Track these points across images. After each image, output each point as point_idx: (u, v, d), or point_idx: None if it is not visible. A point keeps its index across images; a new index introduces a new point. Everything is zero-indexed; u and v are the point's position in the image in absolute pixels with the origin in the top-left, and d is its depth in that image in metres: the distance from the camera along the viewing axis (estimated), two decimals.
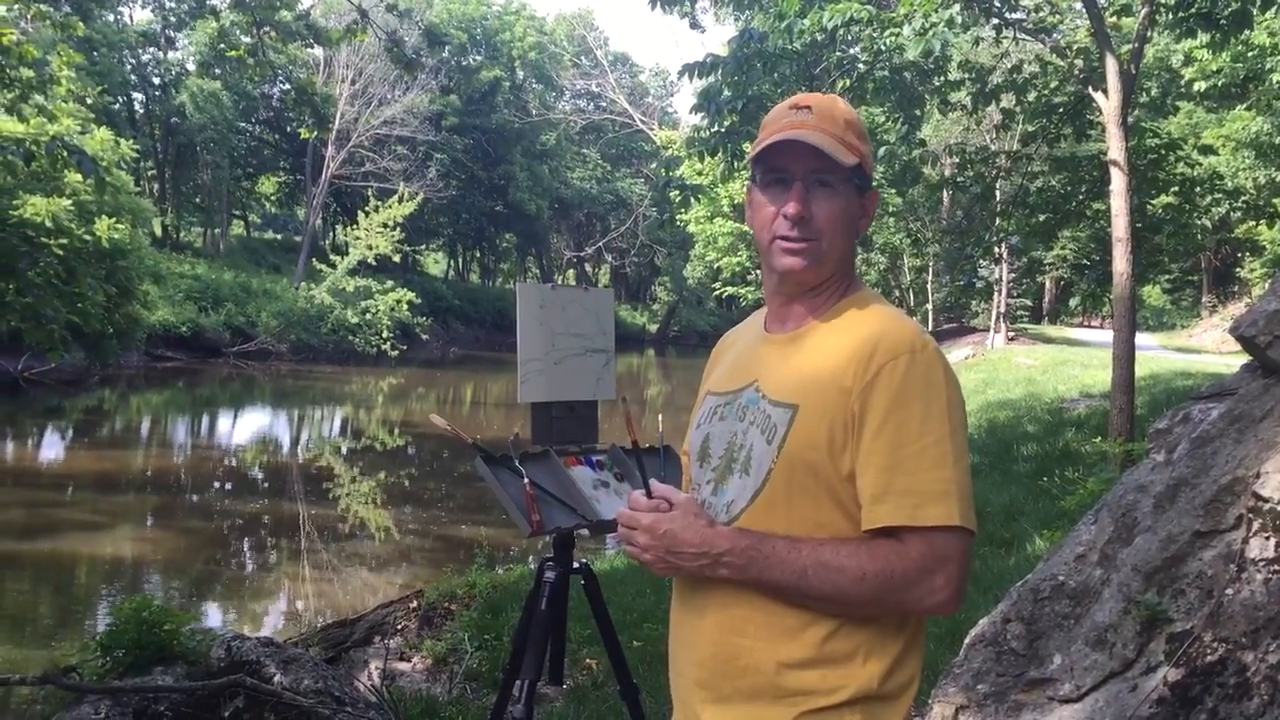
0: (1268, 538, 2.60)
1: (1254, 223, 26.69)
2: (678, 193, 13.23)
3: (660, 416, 2.92)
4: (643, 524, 1.67)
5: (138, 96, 46.45)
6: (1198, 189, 15.35)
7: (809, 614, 1.59)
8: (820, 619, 1.59)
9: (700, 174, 21.60)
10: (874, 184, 1.79)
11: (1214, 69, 15.09)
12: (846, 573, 1.54)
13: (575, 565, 2.89)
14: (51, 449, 18.55)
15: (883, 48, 9.45)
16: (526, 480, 2.63)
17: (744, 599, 1.63)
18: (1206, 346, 27.87)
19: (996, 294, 30.40)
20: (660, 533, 1.65)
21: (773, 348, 1.77)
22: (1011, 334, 32.04)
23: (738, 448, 1.72)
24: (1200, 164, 16.32)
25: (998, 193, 17.17)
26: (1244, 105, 19.71)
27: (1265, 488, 2.63)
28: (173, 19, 45.92)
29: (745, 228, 23.96)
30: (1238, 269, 38.57)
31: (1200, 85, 14.77)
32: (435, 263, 66.16)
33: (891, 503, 1.54)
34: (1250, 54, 15.13)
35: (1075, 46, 11.29)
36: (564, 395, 2.85)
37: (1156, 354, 21.43)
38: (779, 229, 1.71)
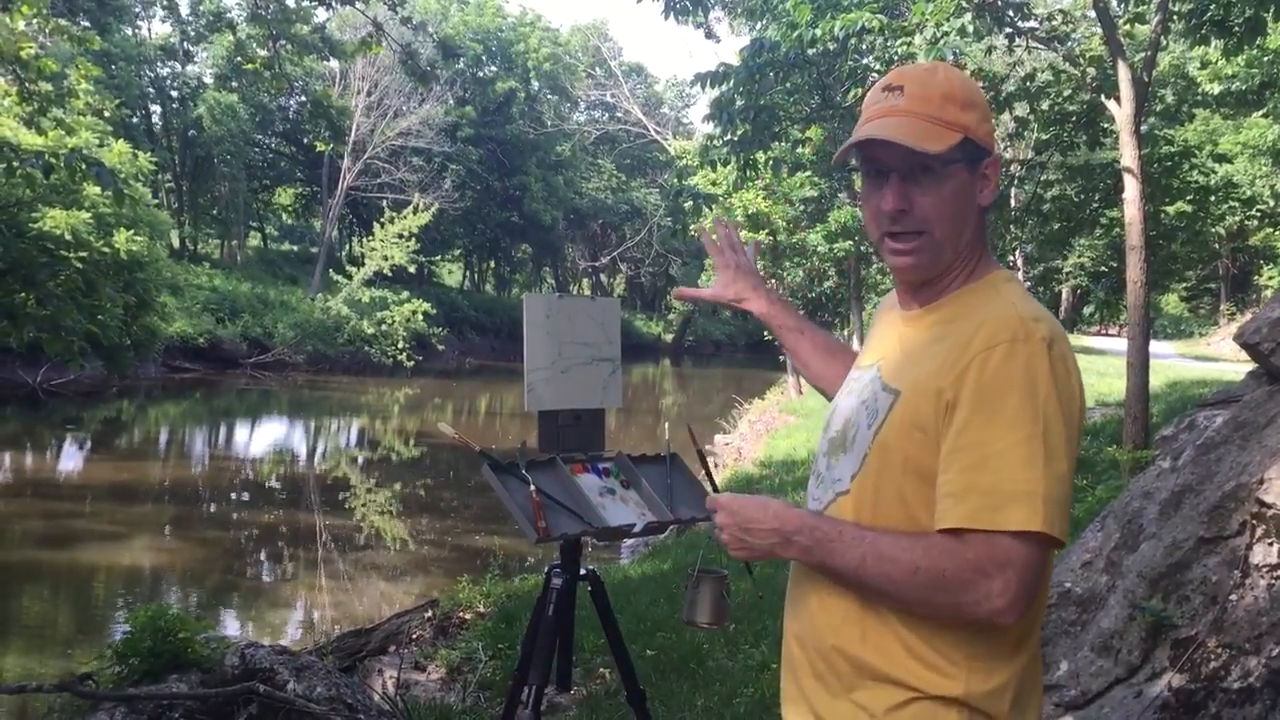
0: (1271, 544, 2.61)
1: (1271, 230, 26.56)
2: (691, 202, 13.27)
3: (667, 426, 2.96)
4: (722, 503, 1.69)
5: (155, 109, 46.74)
6: (1212, 197, 15.28)
7: (896, 612, 1.56)
8: (913, 616, 1.55)
9: (714, 184, 21.60)
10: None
11: (1228, 73, 15.05)
12: (900, 565, 1.49)
13: (582, 572, 2.91)
14: (70, 459, 18.68)
15: (895, 57, 9.46)
16: (533, 487, 2.66)
17: (838, 589, 1.62)
18: (1224, 355, 27.69)
19: None
20: (736, 509, 1.66)
21: (902, 326, 1.74)
22: None
23: (852, 425, 1.69)
24: (1215, 172, 16.27)
25: (1012, 200, 17.17)
26: (1261, 112, 19.65)
27: (1269, 494, 2.64)
28: (190, 33, 46.24)
29: (758, 237, 23.95)
30: (1256, 276, 38.39)
31: (1214, 88, 14.71)
32: (450, 273, 66.32)
33: (972, 502, 1.46)
34: (1266, 59, 15.10)
35: (1088, 55, 11.26)
36: (570, 403, 2.87)
37: (1173, 362, 21.30)
38: (884, 225, 1.67)
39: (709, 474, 2.07)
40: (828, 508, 1.69)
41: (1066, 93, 12.36)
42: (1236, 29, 8.85)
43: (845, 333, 31.18)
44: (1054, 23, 11.21)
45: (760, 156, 11.28)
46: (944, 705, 1.53)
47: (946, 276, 1.69)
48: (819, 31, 9.12)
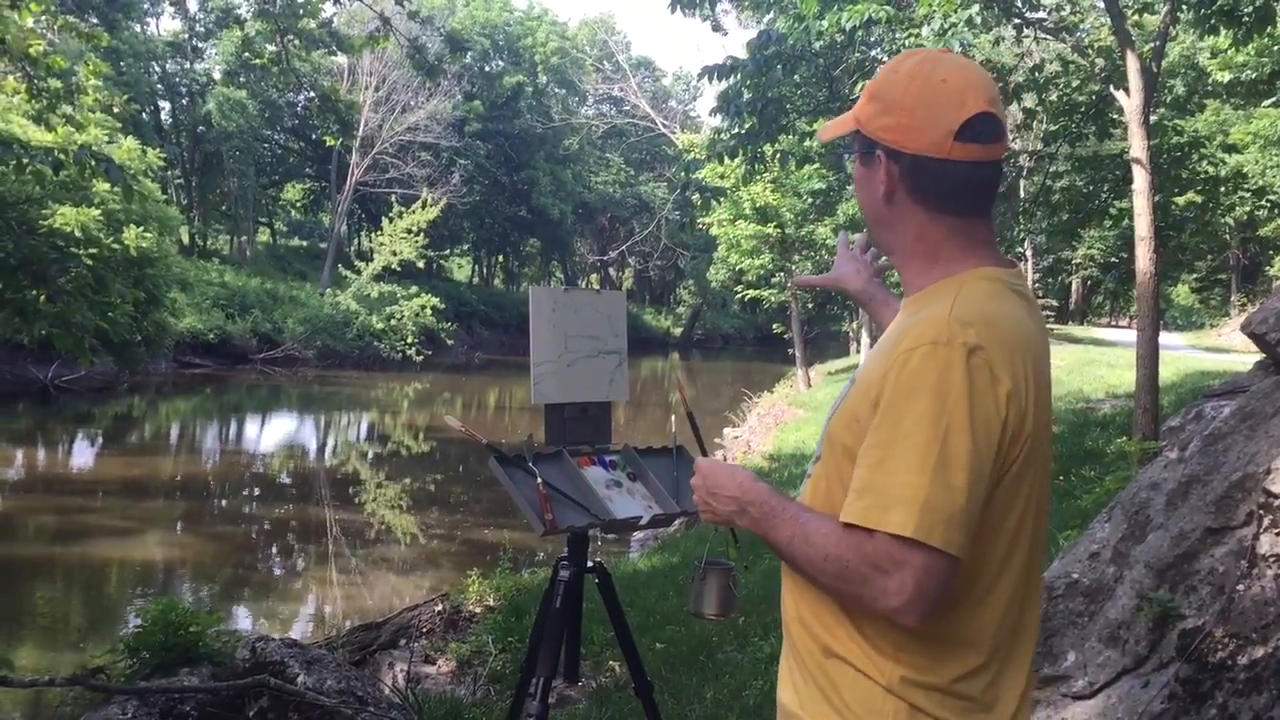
0: (1278, 533, 2.60)
1: None
2: (698, 195, 13.19)
3: (673, 418, 2.97)
4: (699, 465, 1.77)
5: (164, 105, 46.90)
6: (1222, 187, 15.22)
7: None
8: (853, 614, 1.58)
9: (722, 177, 21.58)
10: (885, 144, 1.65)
11: (1239, 62, 14.98)
12: (816, 550, 1.53)
13: (590, 565, 2.92)
14: (82, 455, 18.76)
15: (902, 48, 9.43)
16: (539, 480, 2.67)
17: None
18: (1235, 346, 27.59)
19: None
20: (708, 473, 1.73)
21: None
22: None
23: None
24: (1225, 162, 16.18)
25: (1021, 192, 17.13)
26: (1271, 101, 19.54)
27: (1276, 484, 2.63)
28: (199, 29, 46.33)
29: (768, 230, 23.92)
30: (1267, 267, 38.18)
31: (1224, 77, 14.63)
32: (459, 268, 66.40)
33: (866, 500, 1.48)
34: (1276, 48, 15.03)
35: (1097, 45, 11.23)
36: (577, 396, 2.88)
37: (1184, 353, 21.22)
38: None
39: (698, 437, 2.15)
40: (800, 492, 1.74)
41: (1075, 83, 12.34)
42: (1246, 18, 8.79)
43: (855, 325, 31.14)
44: (1062, 13, 11.19)
45: (768, 149, 11.25)
46: (883, 692, 1.55)
47: (907, 269, 1.71)
48: (826, 23, 9.09)
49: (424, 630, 7.03)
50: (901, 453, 1.47)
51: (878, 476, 1.48)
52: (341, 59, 42.34)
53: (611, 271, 68.73)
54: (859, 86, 11.09)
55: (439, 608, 7.35)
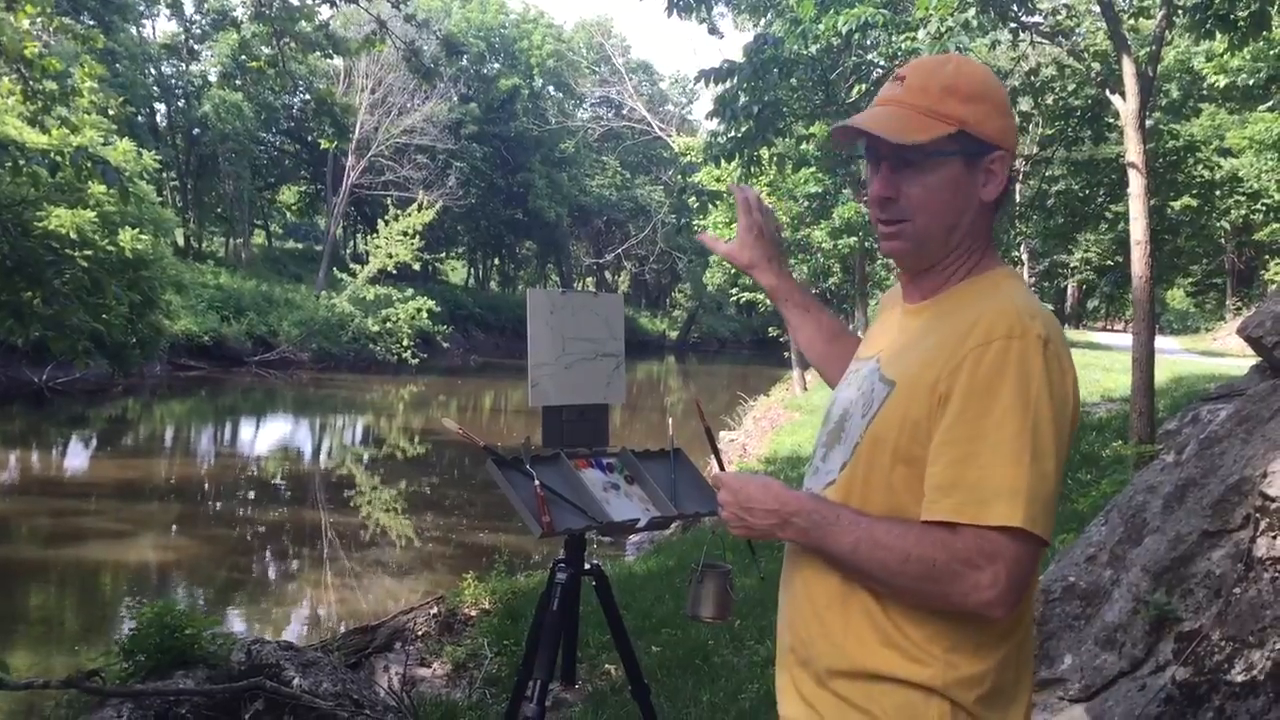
0: (1275, 537, 2.61)
1: (1277, 224, 26.48)
2: (695, 198, 13.20)
3: (670, 421, 2.97)
4: (724, 481, 1.72)
5: (160, 107, 46.80)
6: (1217, 191, 15.27)
7: (884, 599, 1.57)
8: (894, 606, 1.57)
9: (718, 180, 21.60)
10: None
11: (1234, 66, 15.03)
12: (893, 552, 1.51)
13: (587, 567, 2.92)
14: (76, 458, 18.73)
15: (899, 52, 9.45)
16: (537, 482, 2.66)
17: (825, 573, 1.64)
18: (1230, 350, 27.60)
19: None
20: (737, 488, 1.68)
21: (904, 319, 1.75)
22: None
23: (847, 416, 1.70)
24: (1220, 166, 16.24)
25: (1017, 195, 17.15)
26: (1266, 106, 19.58)
27: (1272, 487, 2.64)
28: (195, 31, 46.30)
29: None
30: (1261, 271, 38.26)
31: (1220, 81, 14.68)
32: (455, 271, 66.34)
33: (959, 496, 1.48)
34: (1271, 52, 15.08)
35: (1093, 49, 11.27)
36: (574, 399, 2.88)
37: (1179, 357, 21.23)
38: (874, 210, 1.70)
39: (716, 451, 2.14)
40: None
41: (1071, 87, 12.38)
42: (1241, 23, 8.82)
43: (850, 328, 31.15)
44: (1058, 17, 11.21)
45: (764, 153, 11.27)
46: (924, 696, 1.54)
47: (946, 269, 1.70)
48: (823, 27, 9.10)
49: (419, 633, 7.01)
50: (994, 445, 1.48)
51: (968, 471, 1.49)
52: (338, 62, 42.29)
53: (607, 275, 68.75)
54: (855, 90, 11.11)
55: (434, 611, 7.34)
